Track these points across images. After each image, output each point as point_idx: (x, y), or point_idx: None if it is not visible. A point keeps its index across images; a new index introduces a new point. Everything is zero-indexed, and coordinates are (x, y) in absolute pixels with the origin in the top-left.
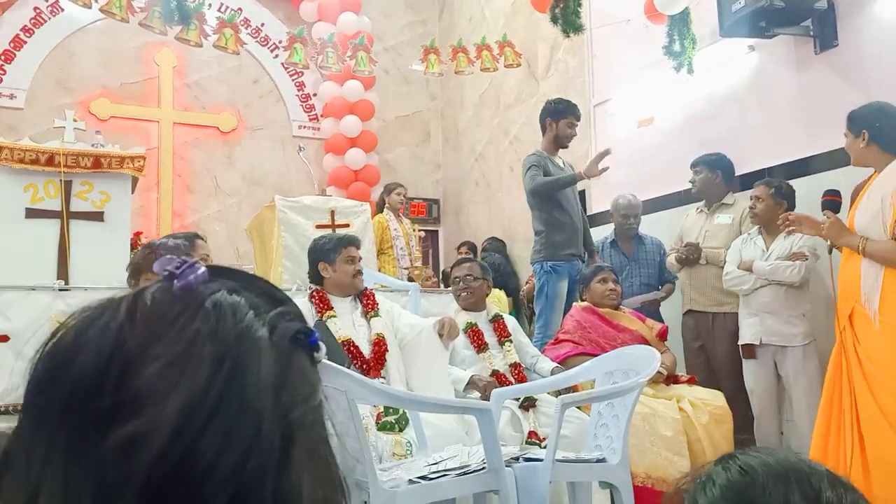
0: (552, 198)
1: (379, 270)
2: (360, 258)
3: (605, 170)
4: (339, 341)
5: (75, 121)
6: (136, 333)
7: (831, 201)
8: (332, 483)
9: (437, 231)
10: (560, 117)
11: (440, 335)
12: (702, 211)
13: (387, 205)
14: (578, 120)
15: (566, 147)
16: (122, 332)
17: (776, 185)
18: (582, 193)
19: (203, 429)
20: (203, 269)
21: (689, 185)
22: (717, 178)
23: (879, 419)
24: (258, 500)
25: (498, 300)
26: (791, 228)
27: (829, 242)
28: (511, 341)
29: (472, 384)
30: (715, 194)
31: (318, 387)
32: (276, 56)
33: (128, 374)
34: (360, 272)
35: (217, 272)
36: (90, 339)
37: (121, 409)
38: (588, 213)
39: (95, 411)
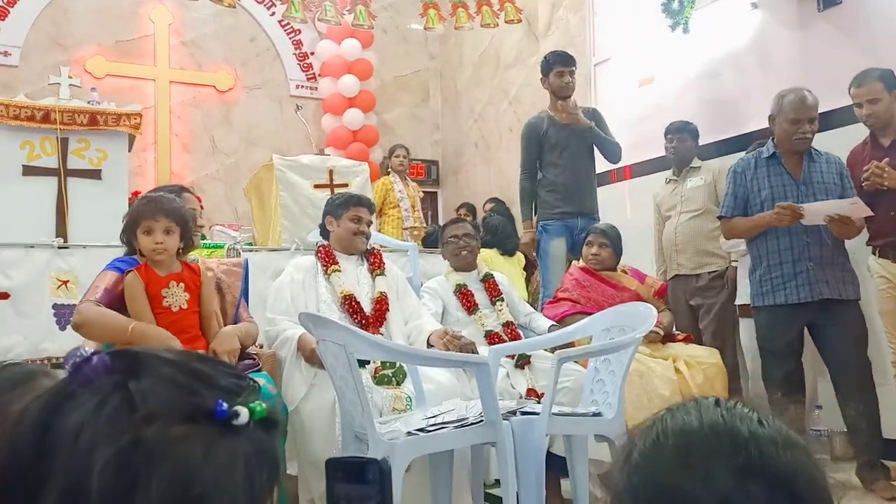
0: (543, 159)
1: (378, 231)
2: (370, 222)
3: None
4: (342, 295)
5: (70, 77)
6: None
7: None
8: None
9: (436, 192)
10: (549, 71)
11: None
12: (671, 180)
13: (389, 167)
14: (568, 66)
15: (567, 97)
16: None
17: None
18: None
19: None
20: (102, 361)
21: (669, 152)
22: (694, 145)
23: None
24: None
25: (517, 261)
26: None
27: None
28: (503, 300)
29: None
30: (688, 159)
31: (216, 471)
32: (273, 14)
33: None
34: (363, 234)
35: (119, 358)
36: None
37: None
38: None
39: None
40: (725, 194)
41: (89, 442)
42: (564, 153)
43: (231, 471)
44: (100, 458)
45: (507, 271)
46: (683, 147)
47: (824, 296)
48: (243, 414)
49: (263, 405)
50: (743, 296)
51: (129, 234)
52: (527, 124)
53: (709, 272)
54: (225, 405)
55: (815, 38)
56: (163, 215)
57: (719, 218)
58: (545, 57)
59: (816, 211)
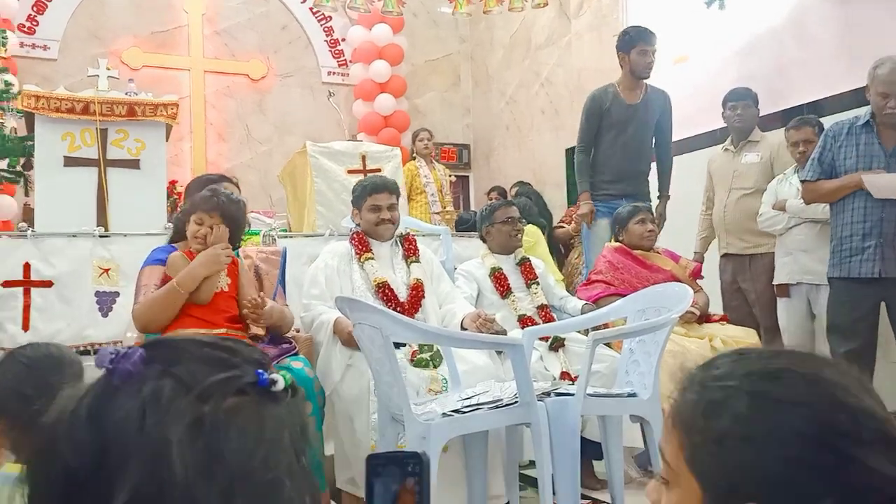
0: (599, 136)
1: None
2: (392, 206)
3: None
4: (375, 283)
5: (108, 69)
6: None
7: None
8: None
9: (467, 176)
10: (630, 47)
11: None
12: (727, 150)
13: (414, 152)
14: (651, 44)
15: (646, 77)
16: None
17: (815, 122)
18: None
19: None
20: (138, 354)
21: (733, 121)
22: (758, 112)
23: None
24: None
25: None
26: None
27: None
28: (538, 283)
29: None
30: (750, 129)
31: (271, 435)
32: (304, 1)
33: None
34: (386, 221)
35: (153, 349)
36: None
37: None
38: None
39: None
40: (811, 158)
41: (156, 426)
42: (622, 135)
43: (281, 433)
44: (172, 438)
45: (541, 252)
46: (749, 114)
47: (890, 274)
48: (280, 381)
49: (287, 373)
50: (779, 276)
51: (185, 216)
52: (591, 96)
53: (761, 253)
54: (265, 375)
55: (857, 11)
56: (218, 215)
57: (802, 182)
58: (626, 32)
59: (888, 184)
